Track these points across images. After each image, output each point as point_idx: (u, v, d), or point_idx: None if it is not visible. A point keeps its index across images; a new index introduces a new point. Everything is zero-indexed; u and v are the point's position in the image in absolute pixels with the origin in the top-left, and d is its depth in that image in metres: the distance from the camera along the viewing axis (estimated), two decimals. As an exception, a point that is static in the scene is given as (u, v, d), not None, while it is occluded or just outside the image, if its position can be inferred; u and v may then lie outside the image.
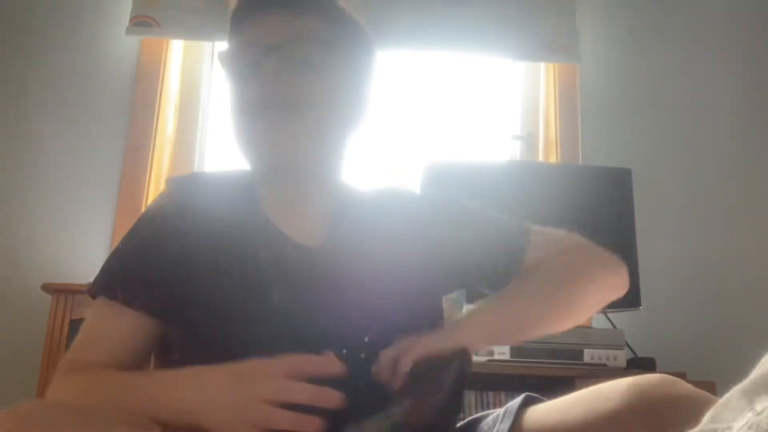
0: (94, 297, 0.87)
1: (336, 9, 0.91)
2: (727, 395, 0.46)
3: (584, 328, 1.88)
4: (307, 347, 0.78)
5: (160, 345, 0.85)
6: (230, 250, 0.84)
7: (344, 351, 0.80)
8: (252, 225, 0.87)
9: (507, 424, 0.81)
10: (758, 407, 0.41)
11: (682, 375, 1.60)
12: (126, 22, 2.21)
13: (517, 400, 0.84)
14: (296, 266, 0.84)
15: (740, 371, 0.52)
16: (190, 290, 0.81)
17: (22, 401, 0.61)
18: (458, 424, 0.86)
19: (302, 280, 0.83)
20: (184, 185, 0.92)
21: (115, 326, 0.83)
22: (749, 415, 0.41)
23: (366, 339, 0.82)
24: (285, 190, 0.90)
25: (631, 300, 1.91)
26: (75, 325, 1.77)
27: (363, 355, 0.81)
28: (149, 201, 2.14)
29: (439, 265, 0.91)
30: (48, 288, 1.82)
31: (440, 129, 2.36)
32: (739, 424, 0.41)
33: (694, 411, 0.51)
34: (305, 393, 0.67)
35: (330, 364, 0.70)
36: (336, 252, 0.87)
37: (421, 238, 0.92)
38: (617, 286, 0.92)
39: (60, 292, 1.80)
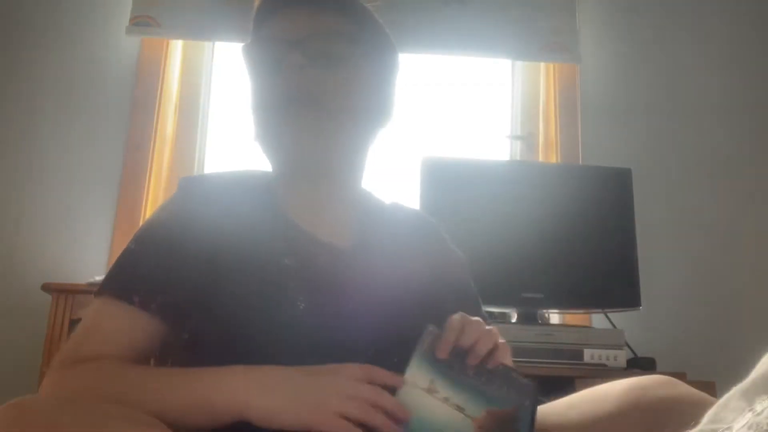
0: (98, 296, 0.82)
1: (359, 7, 0.90)
2: (727, 395, 0.46)
3: (584, 328, 1.88)
4: (337, 352, 0.75)
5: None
6: (252, 255, 0.81)
7: (375, 351, 0.78)
8: (274, 228, 0.84)
9: None
10: (758, 407, 0.41)
11: (682, 375, 1.60)
12: (126, 22, 2.21)
13: None
14: (325, 269, 0.82)
15: (740, 371, 0.52)
16: (210, 297, 0.78)
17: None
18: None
19: (331, 284, 0.81)
20: (199, 186, 0.88)
21: (125, 325, 0.78)
22: (749, 415, 0.41)
23: (398, 341, 0.79)
24: (309, 191, 0.88)
25: (631, 300, 1.92)
26: (75, 325, 1.77)
27: (396, 360, 0.80)
28: (149, 201, 2.14)
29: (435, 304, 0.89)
30: (48, 288, 1.82)
31: (440, 129, 2.36)
32: (739, 424, 0.41)
33: (692, 412, 0.51)
34: (384, 399, 0.67)
35: (393, 378, 0.69)
36: (367, 254, 0.86)
37: (429, 264, 0.92)
38: None
39: (60, 292, 1.80)
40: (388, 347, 0.80)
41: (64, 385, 0.73)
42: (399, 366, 0.78)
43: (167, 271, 0.80)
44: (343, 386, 0.67)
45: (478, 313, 0.94)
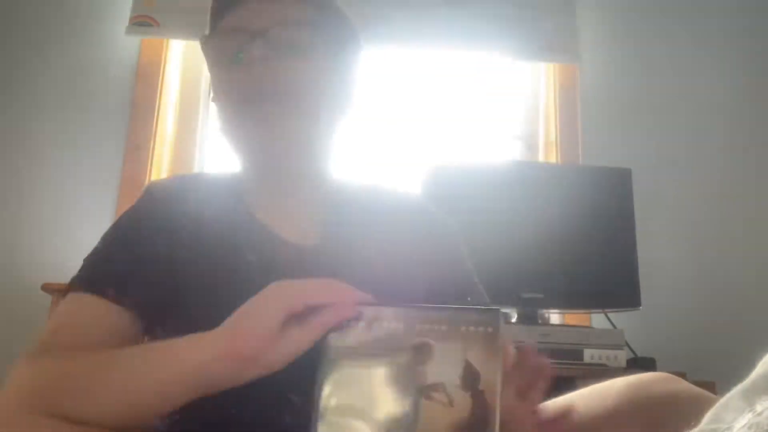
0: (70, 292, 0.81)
1: None
2: (727, 395, 0.46)
3: (584, 328, 1.88)
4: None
5: None
6: (217, 254, 0.81)
7: None
8: (239, 226, 0.84)
9: None
10: (758, 408, 0.41)
11: (682, 375, 1.59)
12: (126, 22, 2.21)
13: None
14: (289, 268, 0.82)
15: (740, 371, 0.52)
16: (176, 296, 0.79)
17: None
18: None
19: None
20: (165, 188, 0.90)
21: (98, 318, 0.77)
22: (749, 415, 0.41)
23: None
24: (276, 186, 0.88)
25: (631, 300, 1.92)
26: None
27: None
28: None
29: (417, 282, 0.87)
30: (48, 288, 1.82)
31: (440, 129, 2.36)
32: (740, 424, 0.41)
33: (693, 409, 0.51)
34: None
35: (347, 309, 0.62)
36: (333, 251, 0.84)
37: (410, 249, 0.89)
38: None
39: (60, 292, 1.78)
40: None
41: (31, 377, 0.71)
42: None
43: (137, 269, 0.80)
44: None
45: (472, 289, 0.93)
